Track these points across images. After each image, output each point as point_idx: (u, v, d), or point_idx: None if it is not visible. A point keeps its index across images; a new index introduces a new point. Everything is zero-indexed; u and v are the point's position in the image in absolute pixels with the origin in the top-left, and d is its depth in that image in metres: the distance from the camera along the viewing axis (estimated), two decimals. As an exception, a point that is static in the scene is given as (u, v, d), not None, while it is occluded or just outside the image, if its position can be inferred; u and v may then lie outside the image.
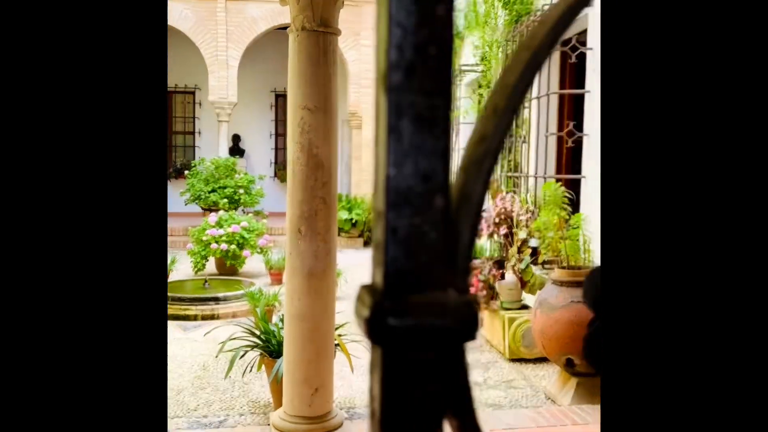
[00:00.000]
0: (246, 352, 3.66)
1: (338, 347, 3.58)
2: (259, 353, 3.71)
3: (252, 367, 3.76)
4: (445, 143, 0.30)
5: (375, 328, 0.31)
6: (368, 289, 0.33)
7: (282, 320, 3.65)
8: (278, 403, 3.52)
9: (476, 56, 6.97)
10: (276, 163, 14.34)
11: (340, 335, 3.62)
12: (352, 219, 10.74)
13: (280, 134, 14.32)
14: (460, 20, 7.29)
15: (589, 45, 4.78)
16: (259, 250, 8.00)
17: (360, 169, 11.71)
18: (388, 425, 0.31)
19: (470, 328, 0.32)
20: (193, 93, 13.89)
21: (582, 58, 4.99)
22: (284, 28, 11.03)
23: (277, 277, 7.68)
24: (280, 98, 14.13)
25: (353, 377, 4.22)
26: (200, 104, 13.81)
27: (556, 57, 5.58)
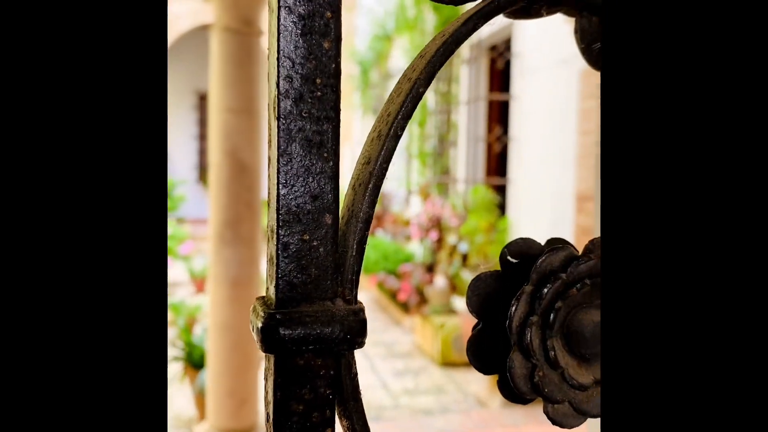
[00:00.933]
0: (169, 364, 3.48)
1: (264, 356, 3.47)
2: (182, 365, 3.53)
3: (174, 379, 3.57)
4: (334, 165, 0.33)
5: (267, 337, 0.33)
6: (261, 300, 0.36)
7: (205, 331, 3.50)
8: (203, 416, 3.36)
9: (406, 59, 6.99)
10: (199, 166, 13.90)
11: (267, 345, 3.51)
12: (280, 224, 10.56)
13: (203, 137, 13.90)
14: (389, 22, 7.30)
15: (514, 51, 4.88)
16: (181, 258, 7.70)
17: (288, 173, 11.55)
18: (280, 427, 0.33)
19: (357, 335, 0.34)
20: (111, 93, 13.27)
21: (508, 64, 5.08)
22: (206, 27, 10.70)
23: (200, 286, 7.41)
24: (203, 99, 13.72)
25: (281, 388, 4.10)
26: (118, 105, 13.21)
27: (484, 63, 5.66)
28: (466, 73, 5.81)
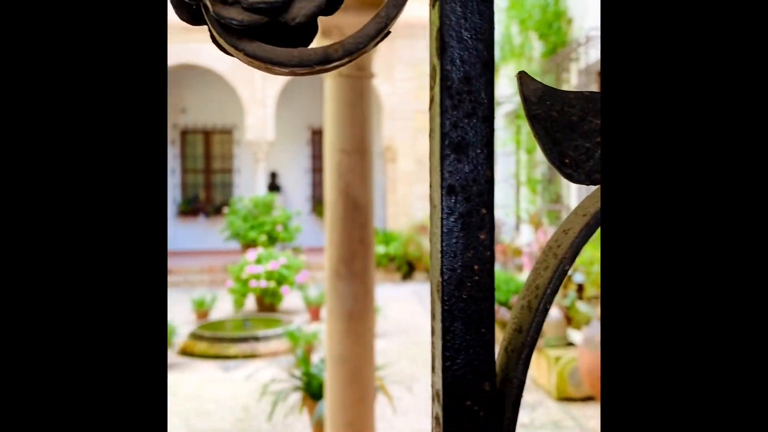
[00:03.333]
0: (288, 394, 3.64)
1: (379, 388, 3.53)
2: (300, 395, 3.68)
3: (294, 409, 3.73)
4: (490, 337, 0.37)
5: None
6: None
7: (322, 361, 3.64)
8: (320, 448, 3.47)
9: (512, 87, 6.96)
10: (313, 198, 14.48)
11: (381, 377, 3.57)
12: (388, 253, 10.71)
13: (316, 170, 14.49)
14: (495, 51, 7.32)
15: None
16: (297, 287, 8.03)
17: (395, 202, 11.72)
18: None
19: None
20: (231, 132, 14.21)
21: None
22: (319, 66, 11.22)
23: (315, 314, 7.68)
24: (316, 135, 14.34)
25: (395, 419, 4.14)
26: (238, 143, 14.11)
27: (594, 87, 5.52)
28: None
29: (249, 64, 0.36)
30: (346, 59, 0.37)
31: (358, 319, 3.15)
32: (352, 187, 3.12)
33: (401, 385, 4.04)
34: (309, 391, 3.64)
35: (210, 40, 0.39)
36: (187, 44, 11.14)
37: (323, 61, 0.37)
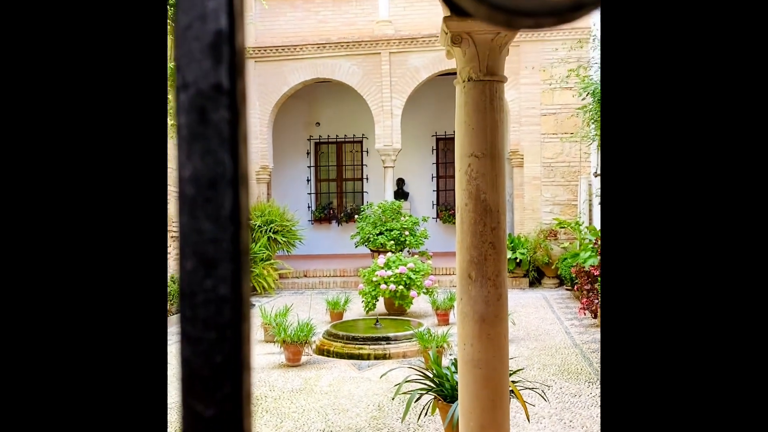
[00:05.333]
0: (421, 395, 3.73)
1: (513, 394, 3.51)
2: (433, 397, 3.75)
3: (426, 410, 3.81)
4: None
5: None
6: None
7: (454, 364, 3.68)
8: (453, 449, 3.51)
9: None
10: (438, 204, 14.60)
11: (514, 382, 3.55)
12: (516, 258, 10.54)
13: (441, 177, 14.60)
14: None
15: None
16: (425, 291, 8.15)
17: (522, 207, 11.51)
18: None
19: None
20: (361, 142, 14.73)
21: None
22: (444, 74, 11.36)
23: (443, 318, 7.75)
24: (441, 142, 14.46)
25: (528, 426, 4.09)
26: (367, 152, 14.59)
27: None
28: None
29: (488, 19, 0.34)
30: (594, 7, 0.34)
31: (490, 323, 3.17)
32: (483, 191, 3.15)
33: (534, 392, 3.99)
34: (441, 393, 3.70)
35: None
36: (321, 59, 11.75)
37: (576, 7, 0.34)
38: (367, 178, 14.78)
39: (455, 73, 3.27)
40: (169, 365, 0.39)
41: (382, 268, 8.14)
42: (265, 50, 11.82)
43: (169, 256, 7.39)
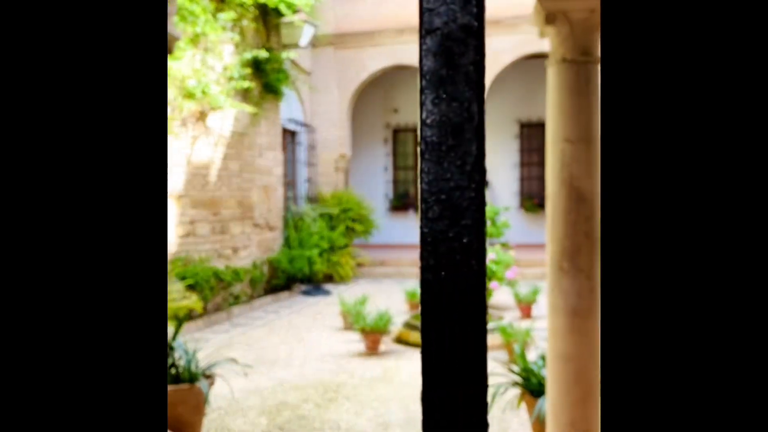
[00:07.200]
0: (507, 388, 3.62)
1: (605, 392, 3.35)
2: (519, 391, 3.63)
3: (511, 404, 3.69)
4: None
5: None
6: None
7: (542, 358, 3.56)
8: (541, 446, 3.39)
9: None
10: (521, 193, 14.22)
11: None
12: (603, 250, 10.12)
13: (524, 164, 14.19)
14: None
15: None
16: (507, 283, 7.95)
17: (611, 197, 11.03)
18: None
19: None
20: (439, 129, 14.56)
21: None
22: (529, 58, 10.98)
23: (526, 311, 7.54)
24: (525, 128, 14.05)
25: (620, 426, 3.89)
26: (445, 139, 14.41)
27: None
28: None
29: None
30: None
31: (583, 316, 3.02)
32: (576, 178, 2.98)
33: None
34: (528, 388, 3.57)
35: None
36: (399, 45, 11.66)
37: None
38: (445, 166, 14.59)
39: (540, 57, 3.14)
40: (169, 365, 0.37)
41: (462, 257, 8.01)
42: (343, 37, 11.86)
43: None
